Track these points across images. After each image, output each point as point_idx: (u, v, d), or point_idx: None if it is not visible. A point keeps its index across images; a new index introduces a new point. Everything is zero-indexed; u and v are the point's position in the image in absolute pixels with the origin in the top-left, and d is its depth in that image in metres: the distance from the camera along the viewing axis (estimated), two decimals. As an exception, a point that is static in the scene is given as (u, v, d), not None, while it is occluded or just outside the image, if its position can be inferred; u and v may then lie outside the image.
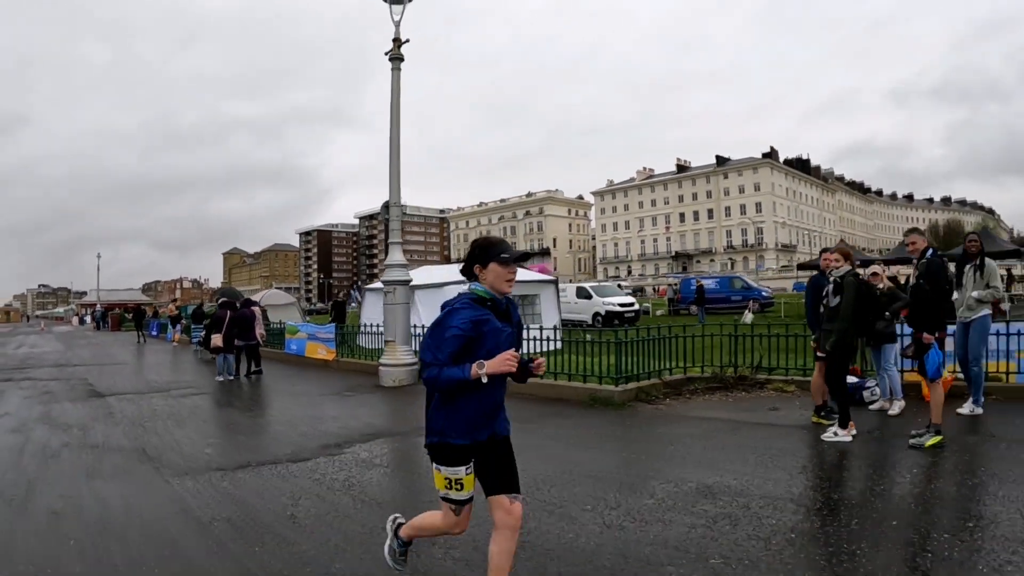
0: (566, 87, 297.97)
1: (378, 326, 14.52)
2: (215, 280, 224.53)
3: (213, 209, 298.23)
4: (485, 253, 3.21)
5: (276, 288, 68.18)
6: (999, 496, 4.86)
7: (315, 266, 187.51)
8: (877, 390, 8.52)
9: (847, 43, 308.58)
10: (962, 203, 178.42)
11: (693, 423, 7.92)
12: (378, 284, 17.08)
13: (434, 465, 3.30)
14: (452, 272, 15.90)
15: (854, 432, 6.80)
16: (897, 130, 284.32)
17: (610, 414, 8.61)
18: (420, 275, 17.35)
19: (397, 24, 12.96)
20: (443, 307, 3.25)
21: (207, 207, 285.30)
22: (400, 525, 3.75)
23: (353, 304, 50.88)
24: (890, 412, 7.98)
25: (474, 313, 3.16)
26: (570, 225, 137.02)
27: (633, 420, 8.26)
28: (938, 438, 6.30)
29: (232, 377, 14.46)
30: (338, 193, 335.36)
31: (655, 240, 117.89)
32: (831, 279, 7.18)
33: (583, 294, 29.36)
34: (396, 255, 13.50)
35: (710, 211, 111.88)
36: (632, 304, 29.58)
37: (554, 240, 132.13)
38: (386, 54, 13.22)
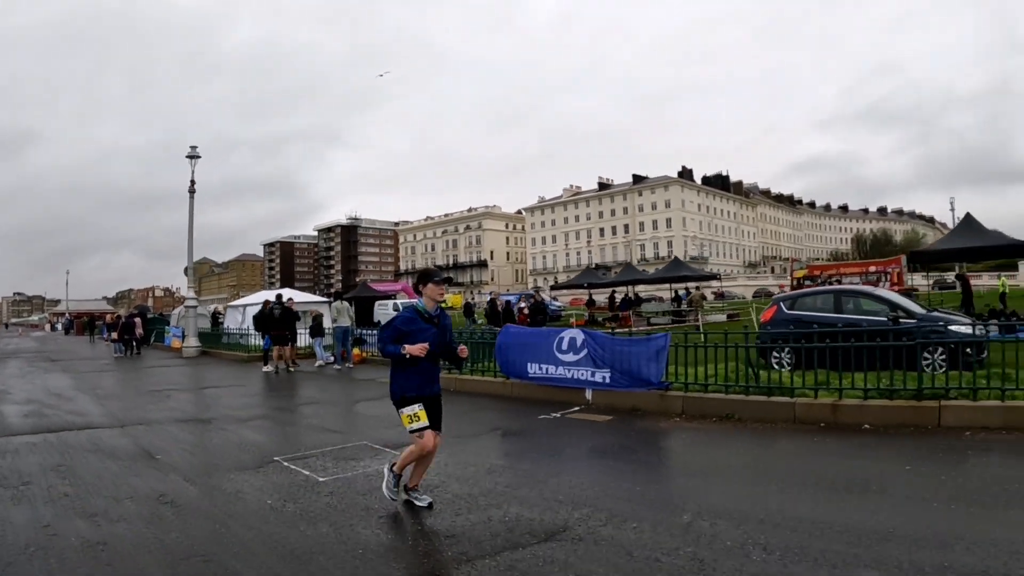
0: (566, 97, 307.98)
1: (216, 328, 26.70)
2: (186, 288, 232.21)
3: (207, 219, 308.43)
4: (424, 278, 5.62)
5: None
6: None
7: (278, 276, 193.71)
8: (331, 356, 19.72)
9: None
10: (899, 213, 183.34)
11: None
12: (235, 302, 29.26)
13: (399, 411, 5.49)
14: (254, 298, 27.62)
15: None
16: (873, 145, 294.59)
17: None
18: (248, 299, 29.13)
19: (192, 171, 25.26)
20: (398, 314, 5.78)
21: (202, 217, 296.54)
22: (393, 464, 5.71)
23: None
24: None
25: (408, 317, 5.54)
26: (507, 239, 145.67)
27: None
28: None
29: (121, 355, 26.84)
30: (319, 207, 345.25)
31: (578, 253, 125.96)
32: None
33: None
34: (191, 294, 26.11)
35: (626, 226, 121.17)
36: (449, 316, 39.89)
37: (491, 252, 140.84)
38: (190, 192, 25.42)
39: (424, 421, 5.47)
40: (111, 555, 4.65)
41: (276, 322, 18.73)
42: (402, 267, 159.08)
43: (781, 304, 15.41)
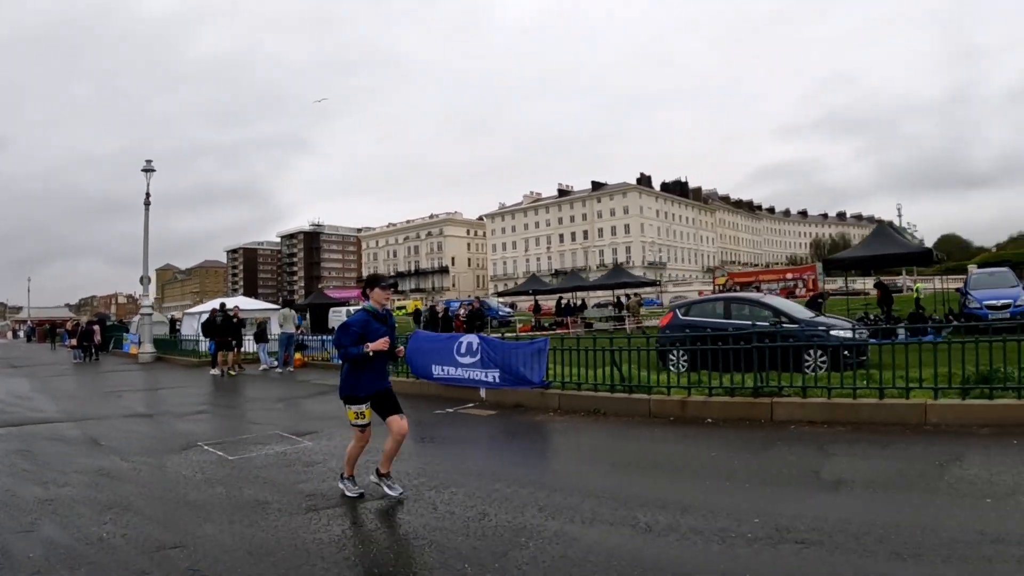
0: (531, 105, 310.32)
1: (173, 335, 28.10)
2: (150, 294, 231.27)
3: (172, 225, 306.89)
4: (371, 282, 6.23)
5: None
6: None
7: (241, 283, 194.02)
8: (275, 361, 21.30)
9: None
10: (858, 217, 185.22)
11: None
12: (191, 310, 30.79)
13: (347, 407, 6.07)
14: (210, 305, 29.04)
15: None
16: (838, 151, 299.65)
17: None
18: (203, 307, 30.53)
19: (148, 184, 26.65)
20: (351, 318, 6.15)
21: (167, 224, 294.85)
22: (377, 469, 6.29)
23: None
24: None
25: (364, 318, 6.03)
26: (469, 245, 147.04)
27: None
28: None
29: (80, 360, 28.07)
30: (284, 213, 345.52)
31: (538, 259, 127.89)
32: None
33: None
34: (149, 301, 27.18)
35: (585, 232, 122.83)
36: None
37: (453, 258, 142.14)
38: (145, 203, 26.78)
39: (368, 419, 6.18)
40: (56, 506, 6.25)
41: (220, 329, 20.29)
42: (364, 273, 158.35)
43: (677, 311, 17.01)
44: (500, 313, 47.05)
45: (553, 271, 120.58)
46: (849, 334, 12.56)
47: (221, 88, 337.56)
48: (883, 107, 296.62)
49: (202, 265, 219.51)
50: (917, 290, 30.36)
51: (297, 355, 21.47)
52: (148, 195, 29.99)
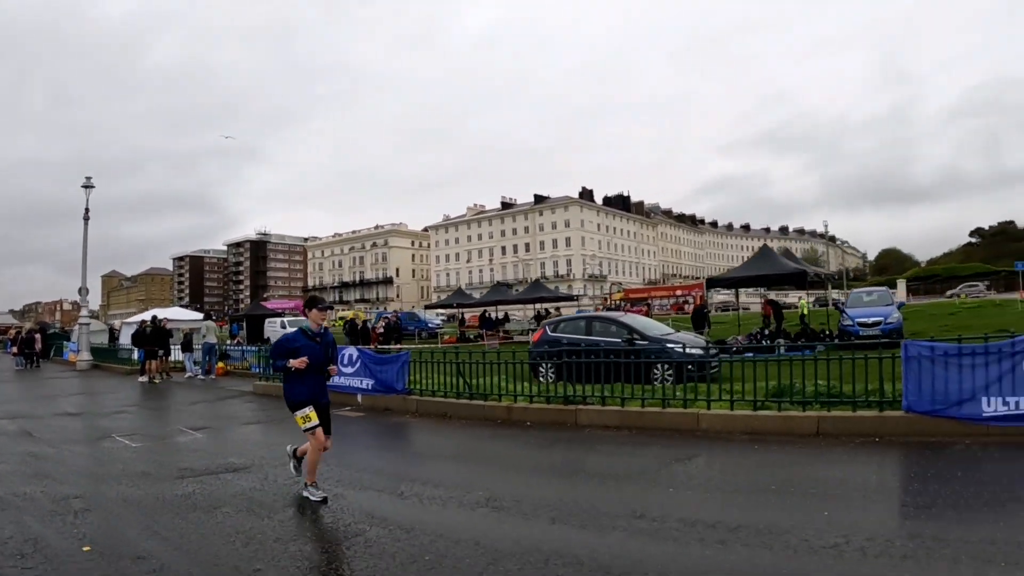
0: (484, 117, 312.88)
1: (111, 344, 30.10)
2: (95, 302, 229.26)
3: (120, 232, 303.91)
4: (309, 304, 7.01)
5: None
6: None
7: (187, 291, 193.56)
8: (199, 369, 23.55)
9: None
10: (800, 232, 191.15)
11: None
12: (129, 320, 32.67)
13: (293, 414, 6.77)
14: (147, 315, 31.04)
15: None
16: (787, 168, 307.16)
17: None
18: (141, 316, 32.48)
19: (87, 199, 28.82)
20: (285, 333, 7.11)
21: (114, 230, 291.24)
22: (295, 449, 7.21)
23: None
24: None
25: (296, 336, 6.82)
26: (413, 256, 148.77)
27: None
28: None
29: (22, 367, 30.00)
30: (235, 222, 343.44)
31: (480, 271, 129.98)
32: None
33: (294, 325, 44.17)
34: (86, 312, 29.08)
35: (527, 244, 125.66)
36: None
37: (397, 269, 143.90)
38: (84, 218, 28.77)
39: (315, 420, 6.79)
40: (-7, 477, 8.68)
41: (148, 339, 22.49)
42: (310, 283, 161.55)
43: (547, 327, 18.77)
44: (430, 325, 49.32)
45: (495, 283, 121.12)
46: (699, 351, 13.84)
47: (174, 96, 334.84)
48: (824, 125, 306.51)
49: (148, 272, 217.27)
50: (803, 306, 32.50)
51: (220, 364, 23.68)
52: (87, 210, 31.91)
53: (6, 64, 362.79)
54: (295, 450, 7.34)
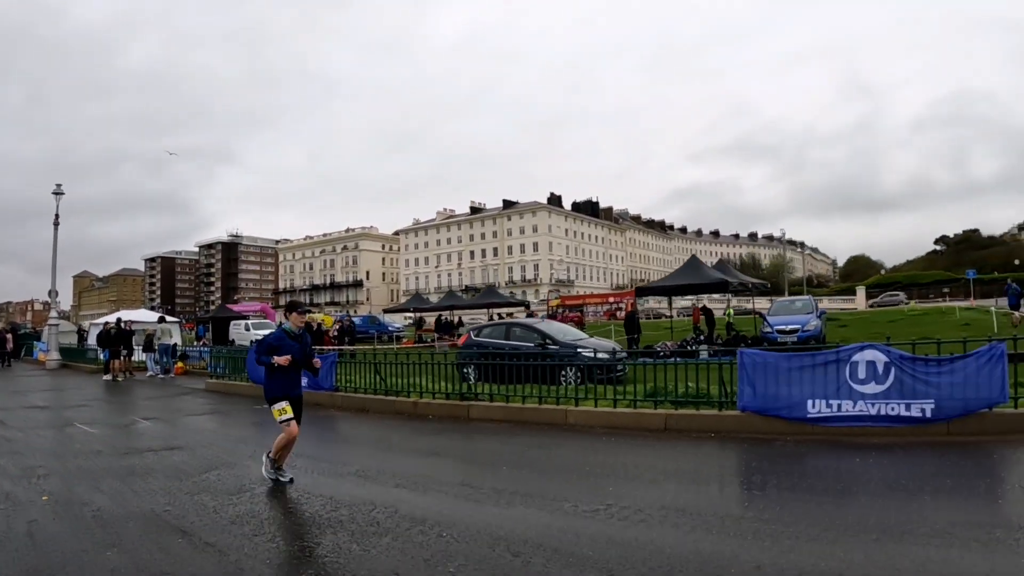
0: (458, 122, 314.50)
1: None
2: (66, 302, 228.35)
3: (93, 232, 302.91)
4: (290, 308, 7.81)
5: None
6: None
7: (159, 291, 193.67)
8: (158, 368, 25.38)
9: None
10: (769, 238, 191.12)
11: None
12: (97, 321, 34.36)
13: (271, 407, 7.47)
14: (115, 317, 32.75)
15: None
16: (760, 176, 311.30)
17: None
18: (107, 318, 34.17)
19: (57, 206, 30.59)
20: (270, 333, 7.99)
21: (87, 231, 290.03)
22: (268, 451, 7.59)
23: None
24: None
25: (278, 336, 7.58)
26: (384, 259, 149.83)
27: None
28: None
29: None
30: (207, 223, 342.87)
31: (449, 275, 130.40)
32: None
33: (257, 327, 45.76)
34: (55, 313, 30.82)
35: (495, 249, 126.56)
36: (272, 335, 44.40)
37: (367, 272, 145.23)
38: (54, 224, 30.53)
39: (290, 414, 7.57)
40: (-28, 452, 10.64)
41: (112, 339, 24.34)
42: (281, 285, 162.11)
43: (471, 333, 20.51)
44: (390, 328, 51.02)
45: (464, 287, 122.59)
46: (605, 355, 15.20)
47: (149, 98, 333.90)
48: (792, 135, 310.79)
49: (120, 273, 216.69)
50: (728, 314, 34.09)
51: (180, 364, 25.55)
52: (57, 216, 33.59)
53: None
54: (267, 453, 7.95)
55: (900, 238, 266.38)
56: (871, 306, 70.36)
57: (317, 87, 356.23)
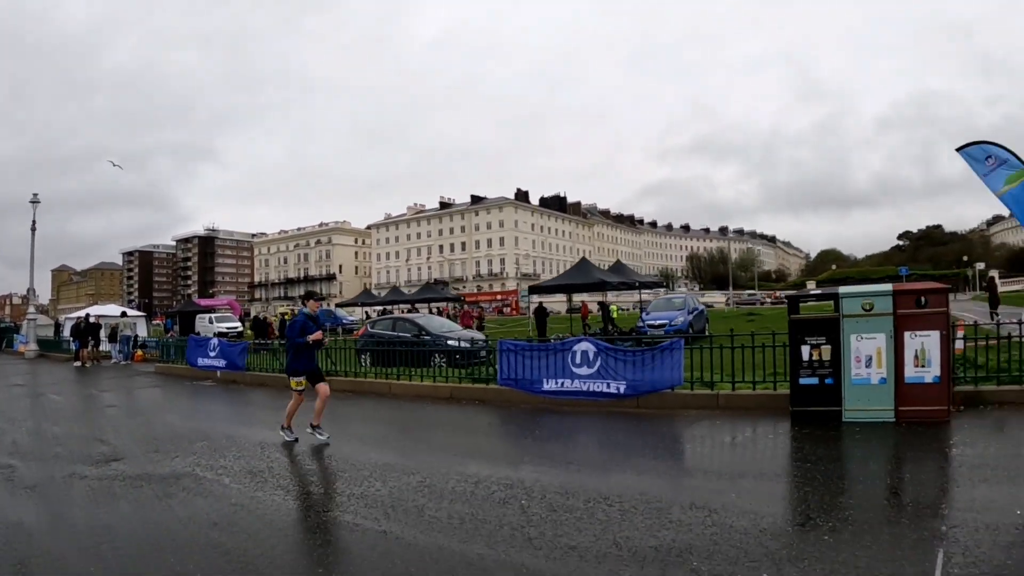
0: (437, 118, 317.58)
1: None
2: (45, 296, 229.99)
3: (72, 226, 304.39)
4: (307, 296, 9.90)
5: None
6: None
7: (137, 285, 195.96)
8: (121, 355, 30.03)
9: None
10: (740, 233, 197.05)
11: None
12: (71, 315, 38.99)
13: (289, 378, 9.45)
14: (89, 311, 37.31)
15: None
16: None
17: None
18: (79, 312, 38.73)
19: (34, 213, 35.18)
20: (295, 319, 9.71)
21: (66, 225, 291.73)
22: (282, 424, 9.25)
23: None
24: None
25: (304, 320, 9.38)
26: (356, 253, 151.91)
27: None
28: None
29: None
30: (186, 218, 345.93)
31: (419, 268, 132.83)
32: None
33: (220, 320, 49.76)
34: (33, 308, 35.56)
35: (463, 244, 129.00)
36: (236, 327, 44.04)
37: (340, 266, 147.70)
38: (31, 229, 35.15)
39: (304, 386, 9.26)
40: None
41: (82, 332, 28.98)
42: (256, 279, 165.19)
43: (368, 326, 24.72)
44: (344, 321, 55.29)
45: (433, 280, 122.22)
46: (467, 344, 18.23)
47: (130, 97, 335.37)
48: (761, 134, 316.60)
49: (98, 267, 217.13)
50: (613, 310, 37.99)
51: (139, 352, 30.15)
52: (34, 223, 37.86)
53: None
54: (311, 423, 9.62)
55: (869, 233, 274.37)
56: (733, 304, 78.62)
57: (296, 85, 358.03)
